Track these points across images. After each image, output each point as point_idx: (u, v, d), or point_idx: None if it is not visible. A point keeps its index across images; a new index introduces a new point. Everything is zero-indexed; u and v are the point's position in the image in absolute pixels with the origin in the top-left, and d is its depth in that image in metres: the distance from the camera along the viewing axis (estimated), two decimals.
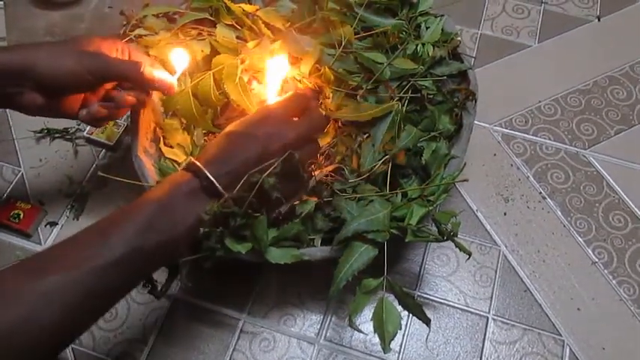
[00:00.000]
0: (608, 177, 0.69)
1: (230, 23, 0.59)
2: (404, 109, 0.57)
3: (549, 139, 0.72)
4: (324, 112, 0.55)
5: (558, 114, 0.74)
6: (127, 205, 0.42)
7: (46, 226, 0.66)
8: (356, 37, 0.60)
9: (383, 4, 0.62)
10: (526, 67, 0.79)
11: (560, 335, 0.59)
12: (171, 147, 0.58)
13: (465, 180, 0.52)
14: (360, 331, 0.48)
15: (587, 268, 0.63)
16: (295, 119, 0.50)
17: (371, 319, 0.47)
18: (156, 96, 0.58)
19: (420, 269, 0.62)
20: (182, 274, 0.46)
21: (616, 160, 0.70)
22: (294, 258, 0.48)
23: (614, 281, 0.62)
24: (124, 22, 0.59)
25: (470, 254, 0.50)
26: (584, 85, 0.77)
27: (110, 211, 0.43)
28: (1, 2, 0.82)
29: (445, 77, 0.59)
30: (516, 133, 0.73)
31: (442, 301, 0.61)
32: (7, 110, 0.74)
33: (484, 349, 0.58)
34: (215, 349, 0.58)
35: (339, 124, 0.58)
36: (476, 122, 0.61)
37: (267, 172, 0.44)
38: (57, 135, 0.72)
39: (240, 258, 0.47)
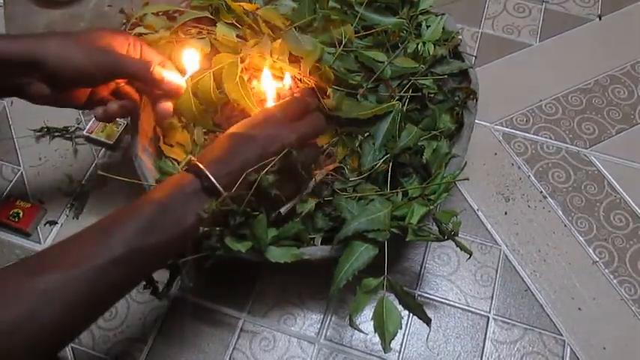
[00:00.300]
0: (609, 176, 0.69)
1: (230, 22, 0.59)
2: (404, 108, 0.57)
3: (550, 138, 0.72)
4: (324, 111, 0.55)
5: (559, 113, 0.74)
6: (128, 205, 0.42)
7: (45, 225, 0.65)
8: (356, 35, 0.60)
9: (383, 2, 0.61)
10: (527, 66, 0.79)
11: (561, 335, 0.59)
12: (171, 146, 0.58)
13: (465, 179, 0.52)
14: (360, 330, 0.48)
15: (588, 267, 0.63)
16: (296, 122, 0.50)
17: (371, 319, 0.46)
18: None
19: (421, 268, 0.62)
20: (183, 275, 0.46)
21: (617, 160, 0.70)
22: (294, 257, 0.48)
23: (615, 281, 0.62)
24: (124, 21, 0.59)
25: (471, 254, 0.50)
26: (585, 84, 0.76)
27: (110, 210, 0.43)
28: (1, 0, 0.81)
29: (446, 76, 0.59)
30: (517, 132, 0.73)
31: (443, 300, 0.61)
32: (7, 109, 0.74)
33: (485, 349, 0.58)
34: (215, 349, 0.58)
35: (340, 123, 0.58)
36: (477, 121, 0.61)
37: (265, 169, 0.45)
38: (57, 134, 0.72)
39: (241, 257, 0.47)
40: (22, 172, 0.69)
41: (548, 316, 0.60)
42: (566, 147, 0.71)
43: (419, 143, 0.55)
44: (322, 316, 0.60)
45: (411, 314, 0.49)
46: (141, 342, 0.58)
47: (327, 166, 0.55)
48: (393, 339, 0.45)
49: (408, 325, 0.59)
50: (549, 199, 0.67)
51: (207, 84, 0.55)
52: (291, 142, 0.47)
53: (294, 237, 0.50)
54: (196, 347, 0.58)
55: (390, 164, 0.54)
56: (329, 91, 0.57)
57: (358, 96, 0.57)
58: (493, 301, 0.61)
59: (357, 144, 0.56)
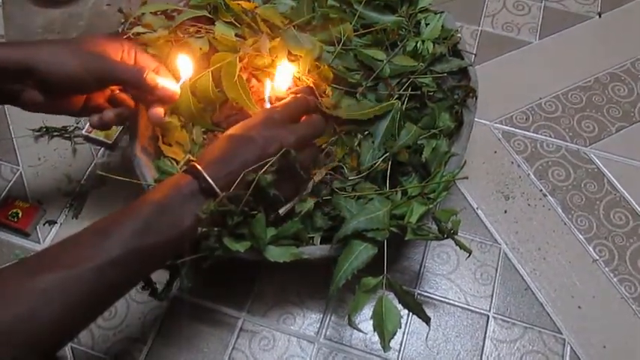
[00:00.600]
0: (609, 174, 0.69)
1: (229, 21, 0.59)
2: (404, 106, 0.56)
3: (550, 136, 0.72)
4: (324, 111, 0.55)
5: (559, 111, 0.74)
6: (126, 206, 0.42)
7: (44, 224, 0.65)
8: (355, 34, 0.60)
9: (382, 0, 0.61)
10: (526, 63, 0.78)
11: (561, 333, 0.59)
12: (169, 145, 0.58)
13: (465, 178, 0.52)
14: (359, 330, 0.48)
15: (588, 266, 0.63)
16: (295, 123, 0.50)
17: (371, 318, 0.46)
18: None
19: (420, 267, 0.62)
20: (182, 276, 0.46)
21: (617, 158, 0.70)
22: (293, 256, 0.48)
23: (615, 279, 0.62)
24: (122, 20, 0.59)
25: (470, 252, 0.50)
26: (584, 82, 0.76)
27: (109, 210, 0.43)
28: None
29: (445, 74, 0.59)
30: (517, 130, 0.72)
31: (442, 299, 0.61)
32: (6, 108, 0.74)
33: (484, 348, 0.58)
34: (214, 348, 0.58)
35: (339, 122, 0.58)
36: (476, 119, 0.61)
37: (264, 169, 0.45)
38: (55, 133, 0.72)
39: (240, 257, 0.47)
40: (21, 172, 0.69)
41: (548, 314, 0.60)
42: (565, 145, 0.71)
43: (418, 142, 0.55)
44: (322, 316, 0.60)
45: (411, 313, 0.49)
46: (140, 341, 0.58)
47: (326, 165, 0.55)
48: (392, 338, 0.45)
49: (408, 324, 0.59)
50: (549, 197, 0.67)
51: (206, 83, 0.55)
52: (290, 143, 0.47)
53: (293, 236, 0.49)
54: (196, 347, 0.58)
55: (390, 163, 0.54)
56: (328, 89, 0.57)
57: (357, 94, 0.57)
58: (493, 300, 0.61)
59: (356, 143, 0.56)
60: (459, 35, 0.61)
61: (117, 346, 0.58)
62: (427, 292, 0.61)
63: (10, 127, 0.73)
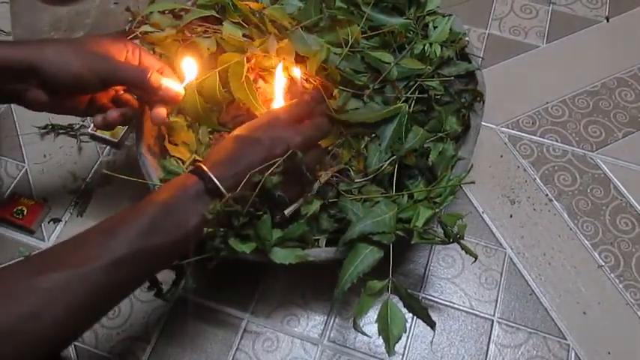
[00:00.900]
0: (616, 180, 0.68)
1: (236, 21, 0.59)
2: (411, 109, 0.56)
3: (556, 140, 0.71)
4: (331, 112, 0.55)
5: (566, 115, 0.74)
6: (132, 206, 0.42)
7: (49, 222, 0.65)
8: (363, 36, 0.60)
9: (390, 3, 0.61)
10: (534, 67, 0.78)
11: (566, 339, 0.59)
12: (175, 145, 0.58)
13: (472, 182, 0.51)
14: (364, 333, 0.47)
15: (594, 271, 0.62)
16: (301, 124, 0.50)
17: (375, 321, 0.46)
18: None
19: (425, 271, 0.62)
20: (187, 276, 0.45)
21: (623, 163, 0.70)
22: (298, 258, 0.48)
23: (620, 285, 0.61)
24: (130, 19, 0.59)
25: (476, 257, 0.50)
26: (592, 87, 0.76)
27: (114, 208, 0.43)
28: None
29: (452, 78, 0.59)
30: (523, 134, 0.72)
31: (447, 303, 0.60)
32: (12, 106, 0.74)
33: (489, 352, 0.58)
34: (218, 349, 0.58)
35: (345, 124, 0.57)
36: (482, 123, 0.61)
37: (270, 170, 0.44)
38: (61, 131, 0.72)
39: (245, 258, 0.47)
40: (26, 169, 0.69)
41: (552, 320, 0.60)
42: (572, 150, 0.71)
43: (425, 145, 0.54)
44: (326, 318, 0.59)
45: (415, 317, 0.49)
46: (144, 341, 0.58)
47: (332, 167, 0.55)
48: (397, 342, 0.45)
49: (412, 327, 0.59)
50: (555, 202, 0.67)
51: (213, 83, 0.55)
52: (296, 144, 0.47)
53: (299, 238, 0.49)
54: (199, 347, 0.58)
55: (396, 166, 0.54)
56: (335, 91, 0.56)
57: (364, 97, 0.56)
58: (497, 305, 0.60)
59: (362, 145, 0.55)
60: (467, 39, 0.61)
61: (120, 346, 0.58)
62: (432, 296, 0.61)
63: (16, 124, 0.73)
